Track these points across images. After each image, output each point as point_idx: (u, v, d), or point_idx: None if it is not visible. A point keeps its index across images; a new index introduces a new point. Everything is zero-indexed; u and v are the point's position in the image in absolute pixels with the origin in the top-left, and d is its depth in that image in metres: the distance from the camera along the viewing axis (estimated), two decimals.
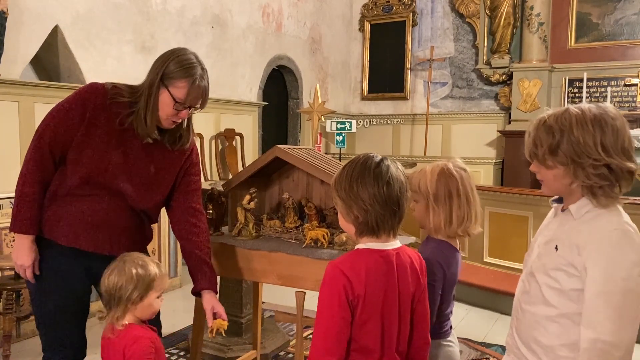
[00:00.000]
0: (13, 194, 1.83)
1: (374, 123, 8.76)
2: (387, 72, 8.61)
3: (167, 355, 3.24)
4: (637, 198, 3.74)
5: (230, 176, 5.23)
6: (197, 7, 5.73)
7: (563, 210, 1.45)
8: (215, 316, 1.93)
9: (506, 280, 4.15)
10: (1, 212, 3.42)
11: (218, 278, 2.09)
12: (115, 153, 1.81)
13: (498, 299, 4.07)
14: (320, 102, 5.03)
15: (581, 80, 7.01)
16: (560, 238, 1.40)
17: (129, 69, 4.88)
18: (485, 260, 4.59)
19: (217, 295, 2.02)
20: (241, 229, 2.23)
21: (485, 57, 7.77)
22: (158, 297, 1.74)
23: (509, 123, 7.57)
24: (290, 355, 3.31)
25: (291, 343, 3.42)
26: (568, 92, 7.25)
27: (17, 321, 3.19)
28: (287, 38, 7.23)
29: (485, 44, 7.75)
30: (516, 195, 4.45)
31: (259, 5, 6.65)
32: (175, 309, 3.84)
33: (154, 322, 2.03)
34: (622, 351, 1.27)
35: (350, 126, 7.74)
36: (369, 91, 8.80)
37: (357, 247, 1.42)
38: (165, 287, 1.79)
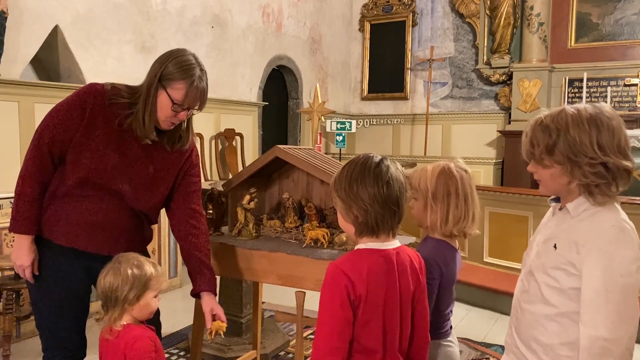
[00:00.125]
0: (13, 194, 1.83)
1: (374, 123, 8.76)
2: (387, 72, 8.62)
3: (167, 356, 3.25)
4: (636, 198, 3.75)
5: (230, 176, 5.23)
6: (197, 7, 5.73)
7: (561, 209, 1.46)
8: (214, 318, 1.92)
9: (506, 280, 4.15)
10: (1, 212, 3.42)
11: (218, 278, 2.09)
12: (114, 154, 1.81)
13: (498, 299, 4.07)
14: (320, 102, 5.03)
15: (581, 80, 7.01)
16: (558, 236, 1.41)
17: (129, 69, 4.88)
18: (485, 260, 4.59)
19: (217, 296, 2.02)
20: (241, 229, 2.23)
21: (485, 57, 7.77)
22: (155, 297, 1.73)
23: (509, 123, 7.57)
24: (290, 355, 3.31)
25: (291, 343, 3.42)
26: (568, 92, 7.25)
27: (17, 321, 3.19)
28: (287, 38, 7.23)
29: (485, 44, 7.75)
30: (516, 195, 4.45)
31: (259, 5, 6.66)
32: (175, 309, 3.84)
33: (154, 322, 2.03)
34: (622, 348, 1.28)
35: (350, 126, 7.74)
36: (369, 91, 8.80)
37: (357, 247, 1.42)
38: (162, 286, 1.79)
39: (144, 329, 1.72)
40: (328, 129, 7.78)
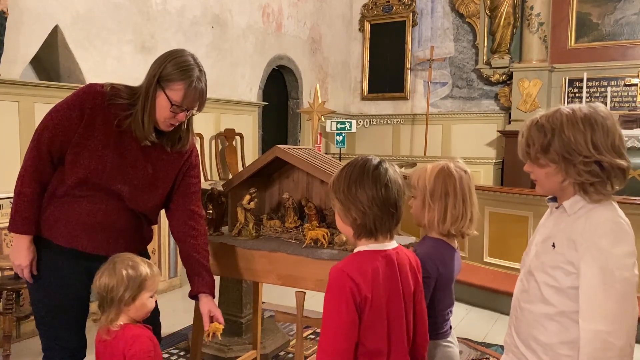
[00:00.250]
0: (13, 194, 1.83)
1: (374, 123, 8.76)
2: (387, 72, 8.62)
3: (167, 356, 3.25)
4: (636, 198, 3.75)
5: (230, 176, 5.23)
6: (197, 7, 5.73)
7: (558, 208, 1.47)
8: (212, 320, 1.92)
9: (506, 280, 4.15)
10: (1, 212, 3.42)
11: (218, 278, 2.09)
12: (112, 154, 1.81)
13: (498, 299, 4.06)
14: (320, 102, 5.03)
15: (581, 80, 7.02)
16: (556, 235, 1.42)
17: (129, 69, 4.88)
18: (485, 260, 4.59)
19: (215, 298, 2.01)
20: (241, 229, 2.23)
21: (485, 57, 7.77)
22: (151, 297, 1.73)
23: (509, 123, 7.57)
24: (290, 355, 3.31)
25: (291, 343, 3.42)
26: (568, 92, 7.25)
27: (17, 321, 3.19)
28: (287, 38, 7.23)
29: (485, 44, 7.75)
30: (516, 195, 4.45)
31: (259, 5, 6.66)
32: (175, 309, 3.84)
33: (154, 322, 2.03)
34: (623, 340, 1.29)
35: (350, 126, 7.74)
36: (369, 91, 8.80)
37: (357, 249, 1.43)
38: (157, 286, 1.78)
39: (141, 328, 1.72)
40: (328, 129, 7.78)
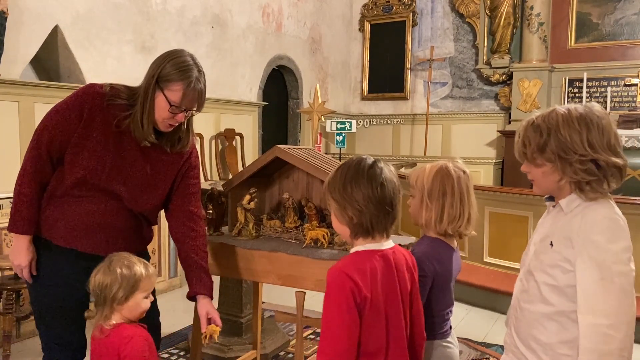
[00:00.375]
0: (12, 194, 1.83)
1: (374, 123, 8.76)
2: (387, 72, 8.62)
3: (166, 356, 3.25)
4: (636, 198, 3.75)
5: (230, 176, 5.23)
6: (197, 7, 5.73)
7: (555, 207, 1.48)
8: (209, 322, 1.92)
9: (506, 280, 4.15)
10: (1, 212, 3.42)
11: (218, 278, 2.08)
12: (111, 155, 1.81)
13: (498, 299, 4.07)
14: (320, 102, 5.03)
15: (581, 80, 7.02)
16: (554, 234, 1.43)
17: (129, 69, 4.88)
18: (485, 260, 4.59)
19: (213, 299, 2.00)
20: (241, 229, 2.23)
21: (485, 57, 7.77)
22: (146, 298, 1.73)
23: (509, 123, 7.57)
24: (290, 355, 3.31)
25: (291, 343, 3.42)
26: (568, 92, 7.25)
27: (17, 321, 3.19)
28: (287, 38, 7.23)
29: (485, 44, 7.75)
30: (516, 195, 4.45)
31: (259, 5, 6.66)
32: (175, 309, 3.84)
33: (154, 322, 2.03)
34: (622, 333, 1.29)
35: (350, 126, 7.74)
36: (369, 91, 8.80)
37: (354, 249, 1.43)
38: (153, 287, 1.78)
39: (137, 328, 1.72)
40: (328, 129, 7.78)
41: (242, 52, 6.42)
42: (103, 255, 1.80)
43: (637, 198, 3.75)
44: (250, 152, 6.47)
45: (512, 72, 7.45)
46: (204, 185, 2.91)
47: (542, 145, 1.40)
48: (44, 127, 1.79)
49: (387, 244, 1.43)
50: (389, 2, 8.52)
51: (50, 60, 4.55)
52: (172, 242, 4.46)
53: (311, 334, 3.60)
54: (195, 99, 1.81)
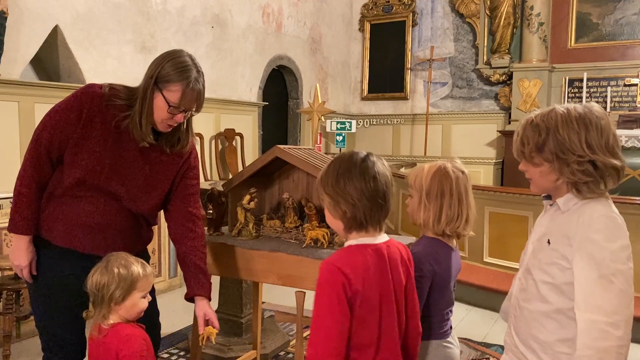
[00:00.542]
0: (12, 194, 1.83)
1: (374, 123, 8.76)
2: (387, 72, 8.62)
3: (166, 356, 3.25)
4: (636, 198, 3.75)
5: (230, 176, 5.23)
6: (197, 7, 5.73)
7: (552, 205, 1.48)
8: (206, 323, 1.91)
9: (506, 280, 4.15)
10: (1, 212, 3.42)
11: (218, 278, 2.08)
12: (110, 155, 1.80)
13: (498, 299, 4.04)
14: (320, 102, 5.04)
15: (581, 80, 7.02)
16: (551, 232, 1.43)
17: (129, 69, 4.88)
18: (485, 260, 4.59)
19: (212, 300, 2.00)
20: (241, 229, 2.23)
21: (485, 57, 7.77)
22: (143, 297, 1.73)
23: (509, 123, 7.57)
24: (290, 355, 3.31)
25: (291, 343, 3.42)
26: (568, 92, 7.26)
27: (17, 321, 3.19)
28: (287, 38, 7.23)
29: (485, 44, 7.75)
30: (516, 195, 4.45)
31: (259, 5, 6.66)
32: (175, 309, 3.84)
33: (154, 322, 2.03)
34: (621, 331, 1.29)
35: (350, 126, 7.74)
36: (369, 91, 8.80)
37: (347, 243, 1.43)
38: (150, 287, 1.77)
39: (135, 328, 1.72)
40: (328, 129, 7.78)
41: (242, 52, 6.42)
42: (102, 255, 1.79)
43: (637, 198, 3.75)
44: (250, 152, 6.48)
45: (512, 72, 7.45)
46: (204, 185, 2.91)
47: (541, 145, 1.40)
48: (43, 127, 1.79)
49: (381, 237, 1.44)
50: (389, 2, 8.52)
51: (50, 60, 4.55)
52: (172, 242, 4.48)
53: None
54: (194, 99, 1.80)
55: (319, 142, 7.77)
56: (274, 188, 2.42)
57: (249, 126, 6.57)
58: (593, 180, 1.36)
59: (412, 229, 5.00)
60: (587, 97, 6.94)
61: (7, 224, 1.86)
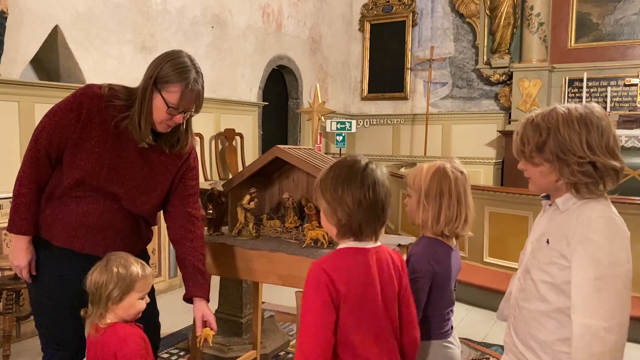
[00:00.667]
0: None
1: (374, 123, 8.76)
2: (387, 72, 8.62)
3: (167, 356, 3.25)
4: (636, 198, 3.75)
5: (230, 176, 5.23)
6: (197, 7, 5.73)
7: (551, 205, 1.48)
8: (205, 325, 1.91)
9: (506, 280, 4.12)
10: (1, 212, 3.42)
11: (218, 278, 2.08)
12: (109, 156, 1.80)
13: (498, 299, 4.02)
14: (320, 102, 5.04)
15: (581, 80, 7.02)
16: (550, 232, 1.43)
17: (129, 69, 4.88)
18: (485, 260, 4.59)
19: (210, 301, 2.00)
20: (241, 229, 2.23)
21: (485, 57, 7.77)
22: (141, 299, 1.72)
23: (509, 123, 7.57)
24: (290, 355, 3.31)
25: (291, 343, 3.42)
26: (568, 92, 7.26)
27: (17, 321, 3.19)
28: (287, 38, 7.23)
29: (485, 44, 7.75)
30: (516, 195, 4.45)
31: (259, 5, 6.66)
32: (175, 309, 3.84)
33: (154, 323, 2.03)
34: (615, 335, 1.29)
35: (350, 126, 7.74)
36: (369, 91, 8.80)
37: (339, 246, 1.43)
38: (149, 288, 1.77)
39: (133, 327, 1.72)
40: (328, 129, 7.78)
41: (242, 52, 6.42)
42: (101, 256, 1.79)
43: (637, 198, 3.75)
44: (250, 152, 6.48)
45: (512, 72, 7.45)
46: (204, 185, 2.91)
47: (541, 145, 1.40)
48: (42, 128, 1.79)
49: (372, 243, 1.43)
50: (389, 2, 8.52)
51: (50, 60, 4.55)
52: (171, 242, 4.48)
53: None
54: (193, 100, 1.80)
55: (319, 142, 7.77)
56: (274, 188, 2.42)
57: (249, 126, 6.57)
58: (593, 181, 1.36)
59: (412, 229, 5.00)
60: (587, 97, 6.94)
61: (7, 224, 1.86)
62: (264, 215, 2.34)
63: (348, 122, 7.76)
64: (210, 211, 2.31)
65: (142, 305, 1.73)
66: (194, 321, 2.28)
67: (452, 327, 1.80)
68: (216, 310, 3.30)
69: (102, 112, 1.79)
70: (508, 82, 7.64)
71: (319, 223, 2.11)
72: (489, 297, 4.18)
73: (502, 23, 7.45)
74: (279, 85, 7.49)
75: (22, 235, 1.81)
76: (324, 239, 2.04)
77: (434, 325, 1.71)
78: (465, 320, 4.00)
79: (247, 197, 2.20)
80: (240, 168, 6.01)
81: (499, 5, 7.43)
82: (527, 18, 7.33)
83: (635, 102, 6.94)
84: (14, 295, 2.96)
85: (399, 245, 2.17)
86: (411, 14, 8.34)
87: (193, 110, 1.83)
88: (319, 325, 1.32)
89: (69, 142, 1.77)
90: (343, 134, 7.72)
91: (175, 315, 3.71)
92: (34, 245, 1.84)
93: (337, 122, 7.70)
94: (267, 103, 6.89)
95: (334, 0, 8.24)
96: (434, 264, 1.67)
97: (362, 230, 1.38)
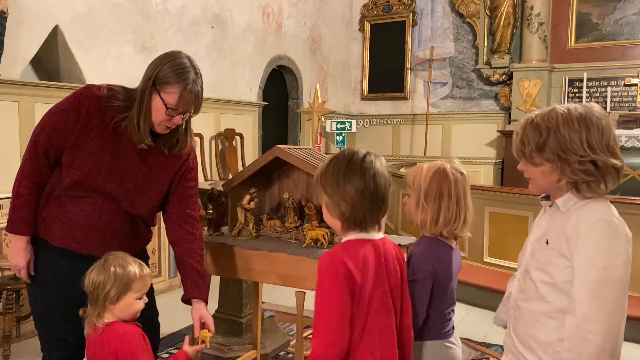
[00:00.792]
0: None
1: (374, 123, 8.76)
2: (387, 72, 8.62)
3: (166, 355, 3.25)
4: (636, 198, 3.75)
5: (230, 176, 5.23)
6: (197, 7, 5.73)
7: (551, 206, 1.48)
8: (202, 326, 1.91)
9: (506, 280, 4.13)
10: (1, 212, 3.42)
11: (218, 278, 2.08)
12: (108, 157, 1.80)
13: (498, 299, 4.02)
14: (320, 102, 5.03)
15: (581, 80, 7.02)
16: (550, 232, 1.43)
17: (129, 69, 4.88)
18: (485, 260, 4.59)
19: (208, 302, 1.99)
20: (241, 229, 2.23)
21: (485, 57, 7.77)
22: (139, 299, 1.72)
23: (509, 123, 7.57)
24: (290, 355, 3.31)
25: (291, 343, 3.42)
26: (568, 92, 7.25)
27: (17, 321, 3.19)
28: (287, 38, 7.23)
29: (485, 44, 7.75)
30: (516, 195, 4.45)
31: (259, 5, 6.66)
32: (175, 309, 3.83)
33: (153, 323, 2.03)
34: (602, 339, 1.28)
35: (350, 126, 7.74)
36: (369, 91, 8.80)
37: (346, 238, 1.44)
38: (146, 289, 1.77)
39: (131, 325, 1.72)
40: (328, 129, 7.78)
41: (242, 52, 6.42)
42: (100, 256, 1.79)
43: (637, 198, 3.75)
44: (250, 152, 6.47)
45: (512, 72, 7.45)
46: (204, 185, 2.91)
47: (541, 145, 1.40)
48: (41, 128, 1.79)
49: (378, 235, 1.45)
50: (389, 2, 8.52)
51: (50, 60, 4.54)
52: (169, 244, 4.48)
53: (311, 334, 3.59)
54: (192, 101, 1.79)
55: (319, 142, 7.77)
56: (274, 188, 2.42)
57: (249, 126, 6.57)
58: (594, 179, 1.36)
59: (412, 229, 5.00)
60: (587, 97, 6.94)
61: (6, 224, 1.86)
62: (264, 215, 2.34)
63: (348, 122, 7.77)
64: (210, 211, 2.31)
65: (139, 305, 1.73)
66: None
67: (453, 327, 1.80)
68: (216, 310, 3.31)
69: (101, 113, 1.78)
70: (508, 82, 7.64)
71: (319, 223, 2.11)
72: (489, 297, 4.18)
73: (502, 23, 7.44)
74: (279, 85, 7.49)
75: (21, 235, 1.81)
76: (324, 239, 2.04)
77: (436, 325, 1.71)
78: (465, 320, 4.00)
79: (247, 197, 2.20)
80: (240, 168, 6.01)
81: (499, 5, 7.43)
82: (527, 18, 7.33)
83: (635, 102, 6.94)
84: (14, 295, 2.97)
85: (399, 245, 2.17)
86: (411, 14, 8.34)
87: (192, 111, 1.82)
88: (338, 314, 1.34)
89: (68, 143, 1.77)
90: (343, 134, 7.72)
91: (175, 315, 3.71)
92: (33, 245, 1.84)
93: (337, 122, 7.70)
94: (267, 103, 6.89)
95: (334, 0, 8.24)
96: (435, 264, 1.67)
97: (367, 221, 1.40)
